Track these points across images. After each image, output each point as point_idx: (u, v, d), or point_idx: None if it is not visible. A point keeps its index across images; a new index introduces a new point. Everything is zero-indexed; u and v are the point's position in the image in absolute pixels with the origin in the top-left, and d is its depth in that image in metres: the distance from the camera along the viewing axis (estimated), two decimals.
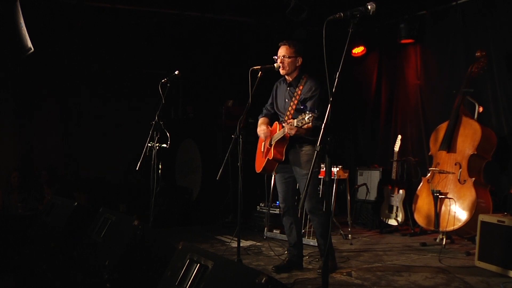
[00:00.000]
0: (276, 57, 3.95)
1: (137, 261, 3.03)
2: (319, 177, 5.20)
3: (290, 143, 3.88)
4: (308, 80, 3.90)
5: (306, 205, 3.89)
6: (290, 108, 3.93)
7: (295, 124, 3.49)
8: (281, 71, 3.95)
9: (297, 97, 3.88)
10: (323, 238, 3.89)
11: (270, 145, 3.97)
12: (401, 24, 6.45)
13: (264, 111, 4.25)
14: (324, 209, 4.14)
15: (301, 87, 3.89)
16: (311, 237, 5.00)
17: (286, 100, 3.99)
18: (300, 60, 3.95)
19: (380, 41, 7.12)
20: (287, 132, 3.73)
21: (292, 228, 4.07)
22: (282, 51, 3.93)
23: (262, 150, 4.14)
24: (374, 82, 7.28)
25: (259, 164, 4.12)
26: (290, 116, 3.88)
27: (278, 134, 3.89)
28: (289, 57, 3.90)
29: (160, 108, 4.45)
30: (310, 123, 3.40)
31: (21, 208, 6.28)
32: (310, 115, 3.36)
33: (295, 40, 4.04)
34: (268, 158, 3.94)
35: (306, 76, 3.94)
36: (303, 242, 4.44)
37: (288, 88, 4.01)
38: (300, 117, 3.43)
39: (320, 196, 5.24)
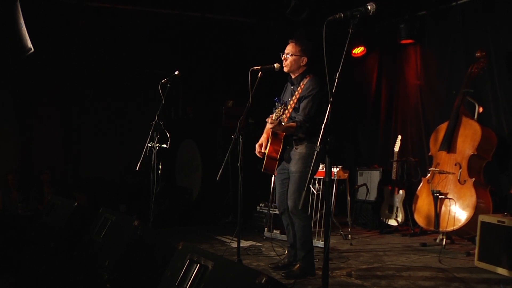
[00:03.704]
0: (281, 53, 3.95)
1: (137, 261, 3.03)
2: (317, 177, 5.23)
3: (286, 142, 3.88)
4: (310, 80, 3.88)
5: (288, 203, 3.86)
6: (289, 107, 3.92)
7: (273, 118, 3.59)
8: (284, 68, 3.94)
9: (297, 95, 3.86)
10: (302, 243, 3.84)
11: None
12: (401, 24, 6.45)
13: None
14: (307, 213, 4.14)
15: (302, 86, 3.88)
16: (320, 239, 4.99)
17: (289, 98, 3.98)
18: (304, 60, 3.91)
19: (380, 41, 7.12)
20: (268, 127, 3.78)
21: (290, 229, 4.05)
22: (288, 48, 3.93)
23: (266, 147, 4.13)
24: (374, 82, 7.29)
25: (264, 162, 4.11)
26: (288, 115, 3.87)
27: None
28: (293, 55, 3.89)
29: (160, 108, 4.45)
30: (286, 117, 3.54)
31: (21, 208, 6.28)
32: (281, 107, 3.50)
33: (305, 39, 4.01)
34: (266, 154, 3.94)
35: (311, 76, 3.90)
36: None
37: (292, 87, 4.01)
38: (276, 110, 3.57)
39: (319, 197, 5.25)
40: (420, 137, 6.46)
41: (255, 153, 4.18)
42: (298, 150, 3.85)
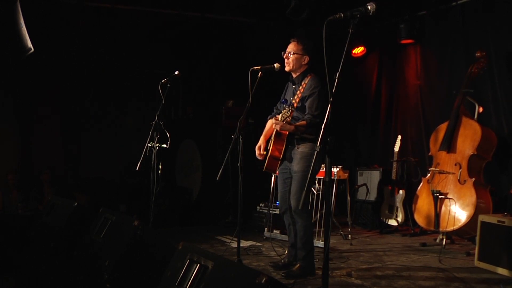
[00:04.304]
0: (283, 52, 3.95)
1: (137, 261, 3.02)
2: (317, 177, 5.24)
3: (288, 141, 3.88)
4: (312, 79, 3.89)
5: (291, 203, 3.86)
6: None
7: (279, 119, 3.66)
8: (286, 67, 3.96)
9: (299, 95, 3.88)
10: (303, 243, 3.84)
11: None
12: (401, 24, 6.44)
13: (274, 110, 4.24)
14: (310, 213, 4.15)
15: (304, 85, 3.89)
16: (320, 239, 4.99)
17: (291, 98, 3.99)
18: (306, 59, 3.92)
19: (380, 41, 7.12)
20: (273, 127, 3.80)
21: (291, 229, 4.05)
22: (290, 47, 3.94)
23: (268, 148, 4.13)
24: (374, 82, 7.28)
25: (266, 162, 4.12)
26: (291, 114, 3.87)
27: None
28: (294, 54, 3.90)
29: (160, 108, 4.45)
30: (290, 118, 3.63)
31: (21, 208, 6.28)
32: (288, 108, 3.59)
33: (306, 38, 4.01)
34: (269, 154, 3.95)
35: (312, 75, 3.92)
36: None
37: (293, 86, 4.02)
38: (283, 111, 3.64)
39: (320, 197, 5.25)
40: (420, 137, 6.46)
41: (255, 153, 4.18)
42: (300, 150, 3.85)
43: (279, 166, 3.96)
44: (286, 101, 3.83)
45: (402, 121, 6.81)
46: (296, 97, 3.90)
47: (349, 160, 7.45)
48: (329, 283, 2.64)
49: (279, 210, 4.86)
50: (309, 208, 4.37)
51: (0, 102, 6.73)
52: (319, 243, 4.86)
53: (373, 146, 7.33)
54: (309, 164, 3.77)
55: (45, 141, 7.02)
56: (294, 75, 4.00)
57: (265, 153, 4.06)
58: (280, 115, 3.70)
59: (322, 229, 5.01)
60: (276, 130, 3.82)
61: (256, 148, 4.10)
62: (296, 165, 3.84)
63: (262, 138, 4.15)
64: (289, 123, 3.71)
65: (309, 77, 3.91)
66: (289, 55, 3.92)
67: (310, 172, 3.04)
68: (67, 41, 6.41)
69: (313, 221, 5.21)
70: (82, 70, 6.99)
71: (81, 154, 7.30)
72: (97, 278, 3.03)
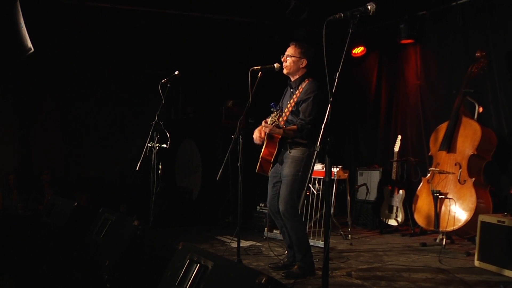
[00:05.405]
0: (282, 55, 3.96)
1: (137, 261, 3.03)
2: (318, 177, 5.24)
3: (281, 145, 3.86)
4: (309, 83, 3.87)
5: (280, 207, 3.83)
6: (286, 110, 3.91)
7: (268, 122, 3.68)
8: (284, 70, 3.95)
9: (295, 99, 3.86)
10: (298, 246, 3.83)
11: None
12: (401, 24, 6.44)
13: None
14: (299, 215, 4.11)
15: (300, 89, 3.88)
16: (320, 239, 4.98)
17: (287, 102, 3.98)
18: (304, 62, 3.91)
19: (380, 41, 7.11)
20: (262, 130, 3.80)
21: (284, 231, 4.04)
22: (289, 50, 3.94)
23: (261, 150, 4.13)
24: (374, 82, 7.28)
25: (258, 165, 4.11)
26: (285, 118, 3.87)
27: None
28: (292, 57, 3.90)
29: (160, 108, 4.45)
30: (282, 122, 3.65)
31: (21, 208, 6.28)
32: (276, 112, 3.64)
33: (306, 43, 4.01)
34: (261, 156, 3.94)
35: (310, 80, 3.90)
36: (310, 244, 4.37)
37: (291, 90, 4.01)
38: (272, 115, 3.67)
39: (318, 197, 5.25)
40: (420, 137, 6.46)
41: (255, 153, 4.18)
42: (292, 154, 3.83)
43: (271, 168, 3.95)
44: (274, 104, 3.81)
45: (402, 121, 6.81)
46: (292, 101, 3.89)
47: (349, 160, 7.46)
48: (329, 283, 2.63)
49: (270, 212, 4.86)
50: (299, 210, 4.34)
51: (0, 102, 6.74)
52: (319, 243, 4.86)
53: (373, 146, 7.33)
54: (299, 168, 3.77)
55: (45, 141, 7.02)
56: (292, 79, 3.99)
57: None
58: (270, 118, 3.70)
59: (322, 229, 5.01)
60: (270, 133, 3.81)
61: (256, 130, 3.96)
62: (286, 169, 3.83)
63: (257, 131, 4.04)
64: (278, 126, 3.70)
65: (306, 82, 3.89)
66: (287, 58, 3.92)
67: (300, 177, 3.01)
68: (67, 41, 6.41)
69: (313, 221, 5.24)
70: (82, 70, 6.99)
71: (81, 154, 7.30)
72: (97, 278, 3.03)
